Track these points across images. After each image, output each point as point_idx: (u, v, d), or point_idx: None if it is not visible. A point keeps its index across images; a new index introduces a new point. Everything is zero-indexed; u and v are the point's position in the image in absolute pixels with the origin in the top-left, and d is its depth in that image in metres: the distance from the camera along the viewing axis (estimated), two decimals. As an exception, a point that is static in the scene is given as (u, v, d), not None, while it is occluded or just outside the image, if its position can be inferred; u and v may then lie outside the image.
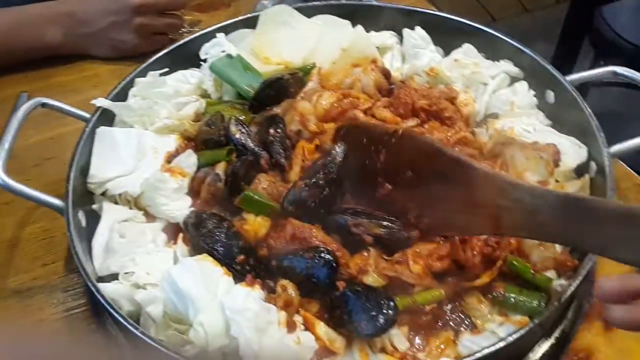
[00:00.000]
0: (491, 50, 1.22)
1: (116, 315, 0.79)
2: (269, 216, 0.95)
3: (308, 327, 0.84)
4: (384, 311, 0.81)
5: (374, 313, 0.81)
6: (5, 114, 1.35)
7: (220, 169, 1.01)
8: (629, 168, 1.21)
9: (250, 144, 1.03)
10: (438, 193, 0.88)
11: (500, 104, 1.12)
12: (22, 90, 1.41)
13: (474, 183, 0.82)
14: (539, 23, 3.67)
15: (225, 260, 0.88)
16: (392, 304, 0.82)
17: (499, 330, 0.85)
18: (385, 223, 0.91)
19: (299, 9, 1.30)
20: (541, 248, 0.91)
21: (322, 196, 0.93)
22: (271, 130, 1.05)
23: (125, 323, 0.78)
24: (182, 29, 1.54)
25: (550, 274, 0.90)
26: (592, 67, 1.86)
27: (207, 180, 1.00)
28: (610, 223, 0.68)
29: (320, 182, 0.93)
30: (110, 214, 0.98)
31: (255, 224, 0.94)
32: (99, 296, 0.81)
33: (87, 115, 1.07)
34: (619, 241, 0.67)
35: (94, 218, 0.99)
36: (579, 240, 0.74)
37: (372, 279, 0.87)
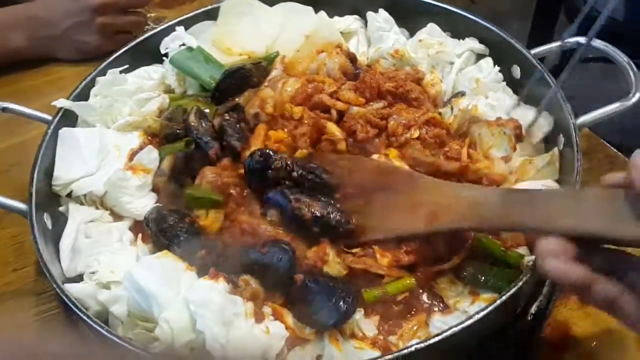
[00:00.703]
0: (456, 28, 1.21)
1: (82, 315, 0.78)
2: (220, 209, 0.94)
3: (277, 317, 0.84)
4: (345, 299, 0.80)
5: (334, 301, 0.80)
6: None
7: (165, 163, 1.00)
8: (601, 139, 1.21)
9: (203, 134, 1.02)
10: (382, 202, 0.91)
11: (466, 82, 1.11)
12: (-13, 96, 1.40)
13: (418, 190, 0.89)
14: (518, 4, 3.66)
15: (187, 256, 0.87)
16: (352, 291, 0.81)
17: (470, 309, 0.84)
18: (326, 206, 0.89)
19: (260, -1, 1.29)
20: None
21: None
22: (226, 116, 1.04)
23: (92, 323, 0.77)
24: (147, 27, 1.52)
25: (522, 250, 0.89)
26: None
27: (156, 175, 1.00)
28: (553, 200, 0.73)
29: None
30: (76, 215, 0.97)
31: (207, 220, 0.93)
32: (64, 297, 0.80)
33: (49, 118, 1.06)
34: (561, 212, 0.69)
35: (62, 220, 0.98)
36: (518, 222, 0.76)
37: (332, 269, 0.85)
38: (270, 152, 0.92)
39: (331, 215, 0.87)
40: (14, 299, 1.01)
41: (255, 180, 0.93)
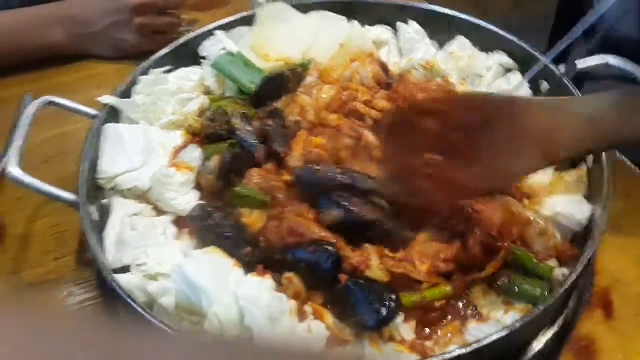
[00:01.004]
0: (484, 42, 1.25)
1: (135, 306, 0.81)
2: (264, 209, 0.98)
3: (317, 317, 0.86)
4: (387, 304, 0.83)
5: (376, 306, 0.83)
6: (9, 113, 1.38)
7: (213, 161, 1.03)
8: (626, 160, 1.23)
9: (249, 137, 1.05)
10: (484, 143, 0.83)
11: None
12: (26, 90, 1.43)
13: (520, 118, 0.80)
14: (530, 18, 3.70)
15: (234, 252, 0.90)
16: (394, 296, 0.84)
17: (504, 318, 0.87)
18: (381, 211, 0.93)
19: (295, 6, 1.33)
20: (543, 237, 0.94)
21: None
22: (269, 122, 1.08)
23: (145, 313, 0.80)
24: (181, 28, 1.57)
25: (553, 262, 0.93)
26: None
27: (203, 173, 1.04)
28: None
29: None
30: (120, 208, 1.01)
31: (251, 218, 0.97)
32: (116, 287, 0.83)
33: (94, 113, 1.10)
34: None
35: (104, 212, 1.02)
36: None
37: (375, 274, 0.88)
38: (317, 162, 0.98)
39: (385, 222, 0.91)
40: (55, 287, 1.04)
41: (305, 187, 0.97)
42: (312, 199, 0.96)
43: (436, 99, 0.88)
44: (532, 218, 0.94)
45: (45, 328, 0.54)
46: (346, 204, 0.91)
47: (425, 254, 0.90)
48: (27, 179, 0.94)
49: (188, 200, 1.01)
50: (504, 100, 0.86)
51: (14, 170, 0.93)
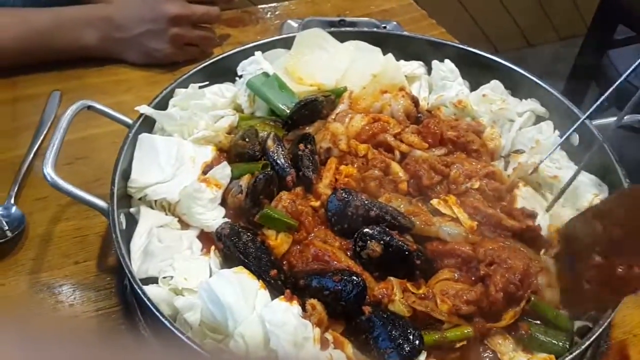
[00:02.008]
0: (517, 87, 1.27)
1: (162, 318, 0.81)
2: (291, 233, 0.98)
3: (337, 346, 0.86)
4: (410, 340, 0.83)
5: (400, 341, 0.83)
6: (38, 109, 1.39)
7: (244, 181, 1.04)
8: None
9: (282, 160, 1.06)
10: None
11: (525, 141, 1.16)
12: (56, 88, 1.44)
13: None
14: (542, 58, 3.76)
15: (260, 274, 0.91)
16: (417, 333, 0.84)
17: (526, 366, 0.87)
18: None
19: (332, 34, 1.35)
20: (552, 288, 0.95)
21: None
22: (301, 146, 1.08)
23: (172, 327, 0.80)
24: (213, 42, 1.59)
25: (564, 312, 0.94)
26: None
27: (231, 191, 1.04)
28: None
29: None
30: (147, 218, 1.01)
31: (277, 241, 0.97)
32: (144, 298, 0.83)
33: (130, 121, 1.10)
34: None
35: (129, 220, 1.02)
36: None
37: (397, 308, 0.88)
38: (351, 192, 0.98)
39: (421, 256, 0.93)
40: (74, 291, 1.04)
41: (335, 216, 0.98)
42: (343, 228, 0.97)
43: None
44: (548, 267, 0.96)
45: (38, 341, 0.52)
46: (387, 238, 0.92)
47: (447, 293, 0.91)
48: (61, 182, 0.95)
49: (215, 216, 1.01)
50: None
51: (51, 172, 0.94)
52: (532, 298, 0.92)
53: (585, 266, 0.89)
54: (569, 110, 1.17)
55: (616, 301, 0.88)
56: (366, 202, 0.96)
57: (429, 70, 1.36)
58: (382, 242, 0.91)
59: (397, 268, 0.92)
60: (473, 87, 1.32)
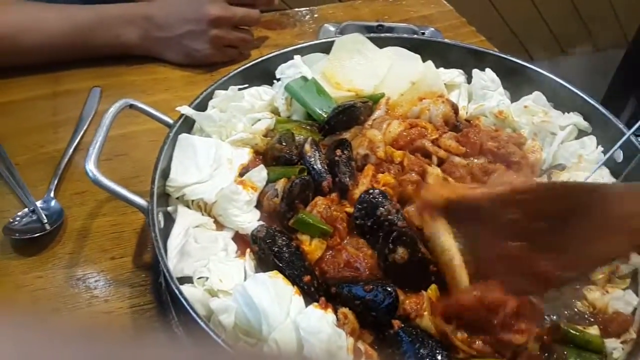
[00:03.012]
0: (560, 100, 1.25)
1: (198, 319, 0.81)
2: (325, 239, 0.98)
3: (367, 358, 0.86)
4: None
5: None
6: (78, 105, 1.41)
7: (280, 185, 1.04)
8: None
9: (319, 165, 1.06)
10: (568, 232, 0.82)
11: (567, 155, 1.14)
12: (96, 84, 1.46)
13: (605, 205, 0.80)
14: (576, 66, 3.70)
15: (294, 279, 0.91)
16: (445, 354, 0.83)
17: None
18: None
19: (371, 39, 1.35)
20: None
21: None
22: (337, 152, 1.08)
23: (207, 328, 0.80)
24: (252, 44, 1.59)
25: (594, 329, 0.92)
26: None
27: (267, 194, 1.04)
28: None
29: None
30: (184, 218, 1.01)
31: (311, 247, 0.97)
32: (181, 298, 0.83)
33: (170, 121, 1.11)
34: None
35: (166, 219, 1.02)
36: None
37: (425, 324, 0.87)
38: (387, 196, 0.97)
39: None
40: (109, 287, 1.05)
41: (361, 217, 0.97)
42: (364, 225, 0.97)
43: (519, 189, 0.88)
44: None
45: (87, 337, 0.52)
46: (418, 248, 0.91)
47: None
48: (102, 179, 0.95)
49: (250, 219, 1.02)
50: (587, 188, 0.86)
51: (93, 169, 0.95)
52: (562, 325, 0.90)
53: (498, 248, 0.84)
54: (611, 123, 1.14)
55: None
56: (392, 210, 0.96)
57: (468, 79, 1.34)
58: (409, 250, 0.90)
59: (412, 280, 0.91)
60: (513, 98, 1.30)
